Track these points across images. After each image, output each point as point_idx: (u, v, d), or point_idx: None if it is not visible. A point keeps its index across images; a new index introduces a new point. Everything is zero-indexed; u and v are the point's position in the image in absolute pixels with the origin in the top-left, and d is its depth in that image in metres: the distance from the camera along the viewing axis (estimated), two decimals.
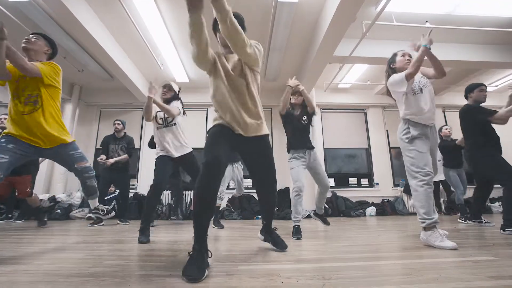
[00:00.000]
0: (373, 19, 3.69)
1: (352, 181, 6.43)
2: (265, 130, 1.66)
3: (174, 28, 4.34)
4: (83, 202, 5.59)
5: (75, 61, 5.15)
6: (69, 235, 2.81)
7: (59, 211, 5.17)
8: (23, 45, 1.91)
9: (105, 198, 5.42)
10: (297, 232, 2.42)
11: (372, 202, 5.94)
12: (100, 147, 4.22)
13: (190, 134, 4.44)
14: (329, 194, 6.06)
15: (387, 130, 6.56)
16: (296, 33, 4.47)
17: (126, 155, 4.12)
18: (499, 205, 5.93)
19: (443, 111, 6.85)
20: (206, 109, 6.58)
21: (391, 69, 2.26)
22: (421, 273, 1.22)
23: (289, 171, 2.71)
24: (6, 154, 1.67)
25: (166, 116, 2.62)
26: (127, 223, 4.11)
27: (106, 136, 4.26)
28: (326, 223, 3.01)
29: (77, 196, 5.61)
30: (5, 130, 1.79)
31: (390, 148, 6.56)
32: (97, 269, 1.34)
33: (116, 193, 5.57)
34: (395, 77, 2.14)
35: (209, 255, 1.33)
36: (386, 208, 5.78)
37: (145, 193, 5.47)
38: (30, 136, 1.78)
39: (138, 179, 6.16)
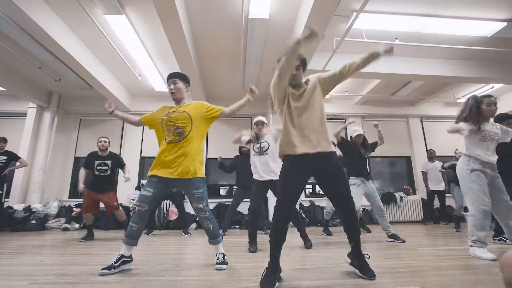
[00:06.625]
0: (342, 36, 3.78)
1: None
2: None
3: (148, 41, 4.35)
4: (60, 212, 5.53)
5: (51, 71, 5.11)
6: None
7: (34, 221, 5.11)
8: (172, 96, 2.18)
9: None
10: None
11: None
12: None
13: None
14: (307, 204, 6.14)
15: None
16: (271, 47, 4.52)
17: None
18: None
19: (421, 121, 7.00)
20: None
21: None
22: None
23: None
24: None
25: (262, 146, 2.98)
26: (189, 234, 4.38)
27: None
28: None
29: (54, 206, 5.51)
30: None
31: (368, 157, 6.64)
32: None
33: None
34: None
35: (280, 271, 1.61)
36: (363, 218, 5.86)
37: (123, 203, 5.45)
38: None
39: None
